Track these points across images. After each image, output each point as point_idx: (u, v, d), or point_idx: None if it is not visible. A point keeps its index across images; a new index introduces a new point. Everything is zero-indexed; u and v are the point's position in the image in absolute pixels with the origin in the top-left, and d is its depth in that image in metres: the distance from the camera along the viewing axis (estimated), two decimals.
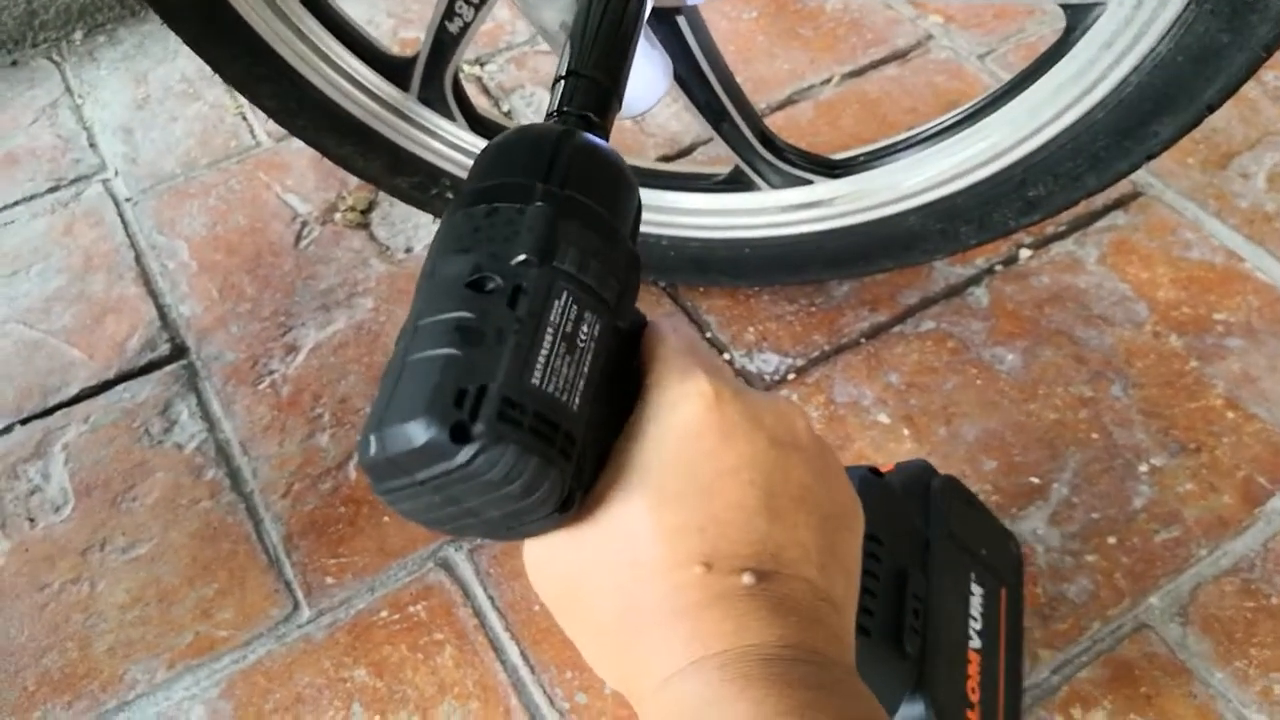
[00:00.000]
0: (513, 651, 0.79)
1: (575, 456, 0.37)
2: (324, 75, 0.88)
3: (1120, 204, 1.05)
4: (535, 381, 0.37)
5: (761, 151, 0.87)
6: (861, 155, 0.86)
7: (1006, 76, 0.78)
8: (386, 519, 0.86)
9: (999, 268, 1.00)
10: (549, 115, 0.50)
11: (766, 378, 0.94)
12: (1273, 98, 1.14)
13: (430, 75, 0.87)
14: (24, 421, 0.94)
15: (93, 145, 1.19)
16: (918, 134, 0.83)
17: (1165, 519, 0.83)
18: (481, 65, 1.25)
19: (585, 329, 0.39)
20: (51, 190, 1.14)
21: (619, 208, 0.44)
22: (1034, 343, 0.94)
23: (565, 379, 0.38)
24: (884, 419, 0.90)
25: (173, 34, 0.83)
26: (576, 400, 0.38)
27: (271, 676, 0.79)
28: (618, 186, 0.44)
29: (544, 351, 0.37)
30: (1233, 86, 0.66)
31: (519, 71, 1.25)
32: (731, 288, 0.99)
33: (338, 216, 1.09)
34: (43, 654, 0.80)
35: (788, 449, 0.41)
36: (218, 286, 1.03)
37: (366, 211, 1.09)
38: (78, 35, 1.31)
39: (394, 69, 0.88)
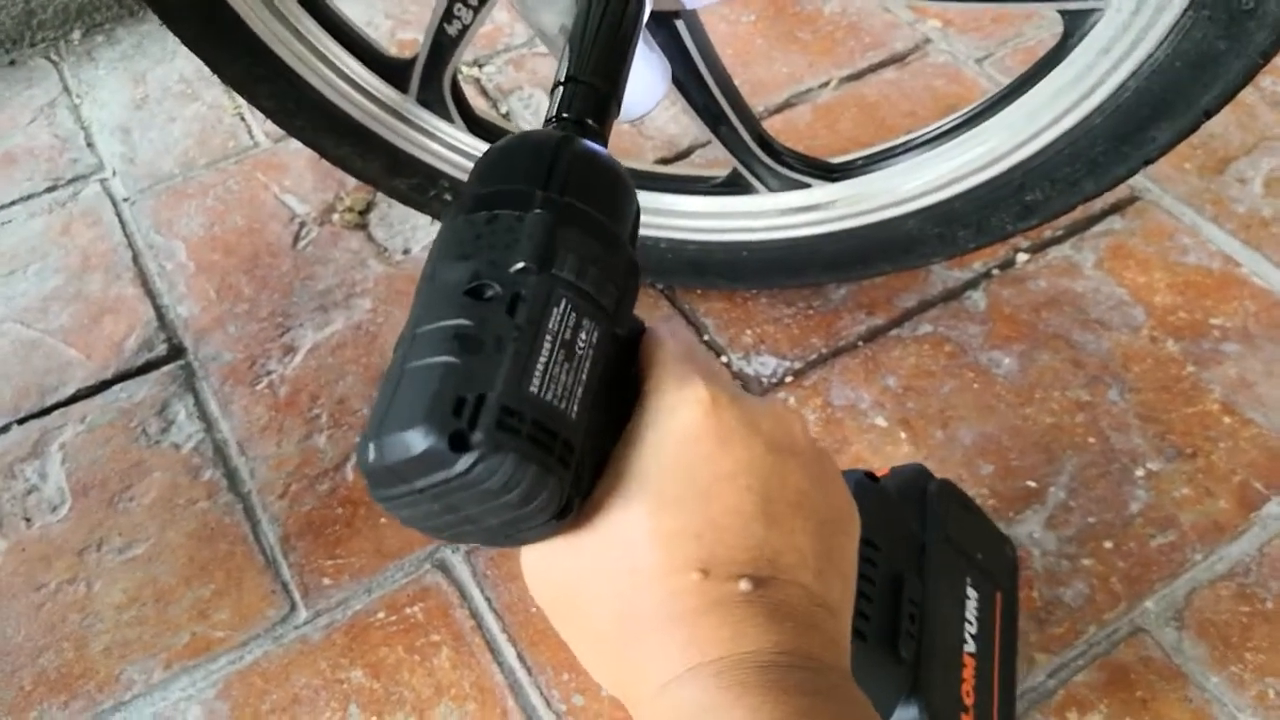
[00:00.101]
0: (510, 653, 0.79)
1: (573, 464, 0.38)
2: (322, 76, 0.88)
3: (1118, 209, 1.05)
4: (534, 389, 0.37)
5: (759, 155, 0.87)
6: (859, 159, 0.86)
7: (1004, 81, 0.79)
8: (384, 520, 0.86)
9: (996, 272, 1.00)
10: (548, 121, 0.50)
11: (764, 380, 0.94)
12: (1270, 103, 1.14)
13: (429, 77, 0.87)
14: (21, 421, 0.94)
15: (90, 145, 1.19)
16: (916, 138, 0.83)
17: (1161, 523, 0.83)
18: (480, 67, 1.25)
19: (584, 336, 0.39)
20: (49, 190, 1.14)
21: (618, 214, 0.44)
22: (1031, 347, 0.95)
23: (564, 386, 0.38)
24: (881, 422, 0.90)
25: (171, 34, 0.83)
26: (575, 408, 0.38)
27: (268, 677, 0.79)
28: (616, 193, 0.45)
29: (542, 359, 0.37)
30: (1230, 92, 0.66)
31: (517, 73, 1.25)
32: (729, 290, 1.00)
33: (336, 217, 1.09)
34: (39, 654, 0.80)
35: (785, 454, 0.42)
36: (215, 287, 1.03)
37: (364, 212, 1.09)
38: (76, 35, 1.31)
39: (392, 70, 0.88)
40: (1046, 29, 1.24)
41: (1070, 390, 0.92)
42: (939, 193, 0.82)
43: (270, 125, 0.99)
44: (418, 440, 0.35)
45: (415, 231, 1.07)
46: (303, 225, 1.09)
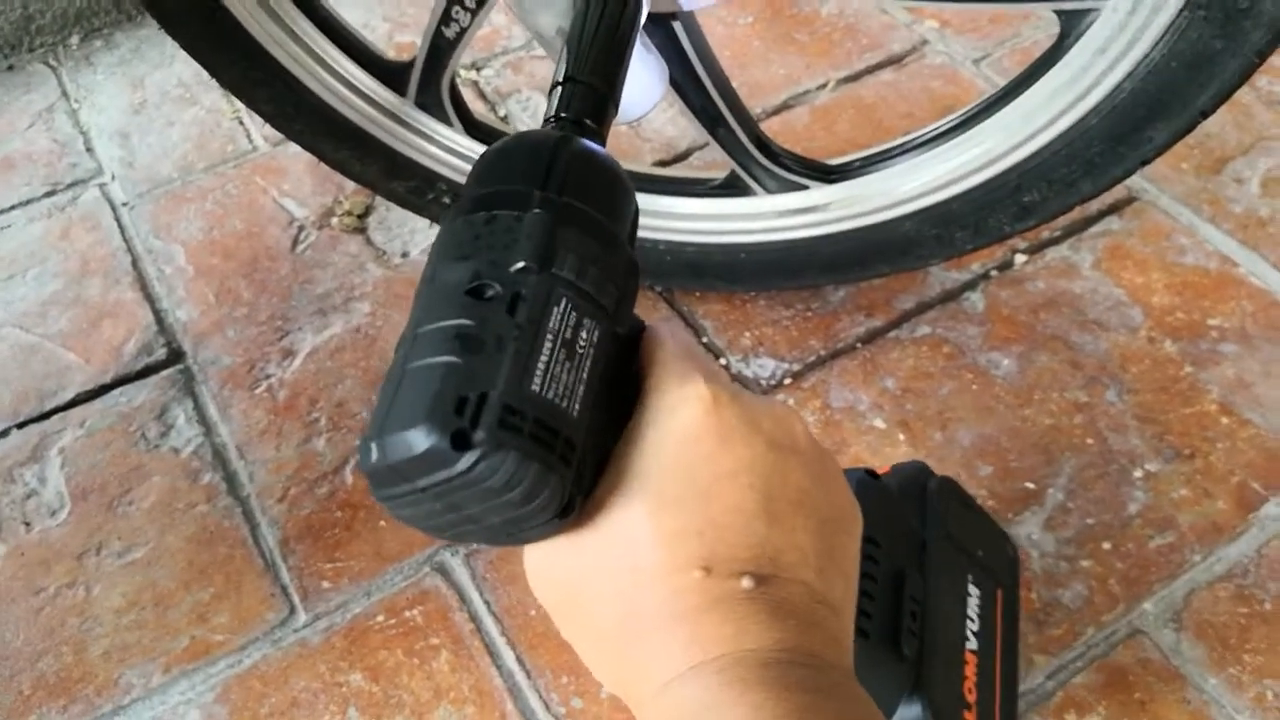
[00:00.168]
0: (509, 656, 0.79)
1: (575, 462, 0.38)
2: (320, 80, 0.88)
3: (1115, 209, 1.05)
4: (535, 388, 0.37)
5: (757, 156, 0.87)
6: (857, 160, 0.86)
7: (1001, 82, 0.79)
8: (383, 523, 0.86)
9: (994, 273, 1.01)
10: (546, 121, 0.50)
11: (763, 382, 0.94)
12: (1266, 103, 1.14)
13: (427, 80, 0.87)
14: (20, 425, 0.94)
15: (89, 150, 1.19)
16: (913, 139, 0.83)
17: (1160, 525, 0.84)
18: (478, 70, 1.25)
19: (584, 335, 0.39)
20: (48, 194, 1.14)
21: (617, 214, 0.44)
22: (1029, 348, 0.95)
23: (565, 385, 0.38)
24: (880, 424, 0.90)
25: (169, 39, 0.84)
26: (576, 406, 0.38)
27: (267, 681, 0.79)
28: (615, 192, 0.45)
29: (543, 358, 0.37)
30: (1226, 92, 0.66)
31: (515, 76, 1.25)
32: (728, 293, 1.00)
33: (334, 221, 1.09)
34: (38, 658, 0.80)
35: (786, 452, 0.42)
36: (214, 291, 1.03)
37: (363, 216, 1.10)
38: (74, 40, 1.31)
39: (390, 74, 0.88)
40: (1043, 30, 1.24)
41: (1068, 391, 0.92)
42: (936, 194, 0.82)
43: (269, 129, 0.99)
44: (420, 439, 0.35)
45: (414, 235, 1.07)
46: (301, 229, 1.09)
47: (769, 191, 0.88)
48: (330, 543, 0.85)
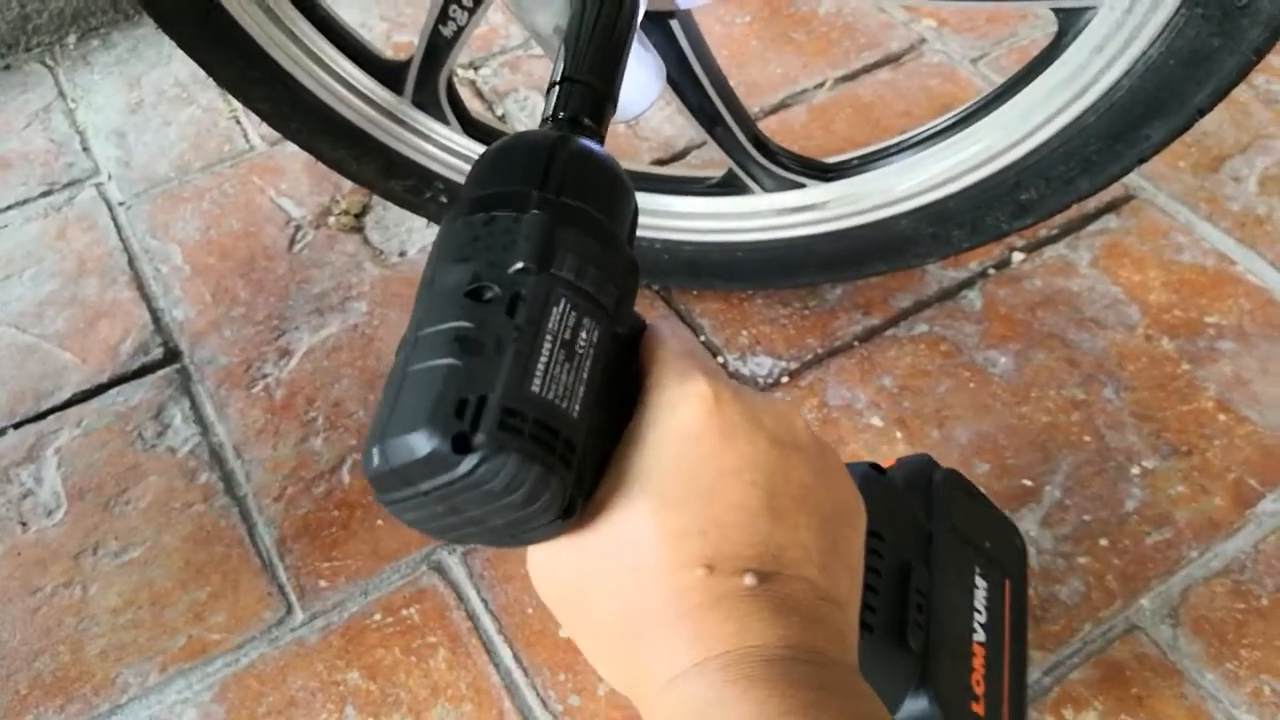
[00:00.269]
0: (506, 654, 0.79)
1: (576, 463, 0.38)
2: (317, 79, 0.88)
3: (1112, 207, 1.05)
4: (535, 389, 0.37)
5: (755, 155, 0.87)
6: (854, 159, 0.86)
7: (999, 80, 0.79)
8: (380, 522, 0.86)
9: (992, 271, 1.01)
10: (544, 121, 0.50)
11: (760, 381, 0.94)
12: (1264, 101, 1.14)
13: (424, 79, 0.87)
14: (17, 425, 0.94)
15: (86, 149, 1.19)
16: (910, 138, 0.83)
17: (1157, 521, 0.84)
18: (475, 69, 1.25)
19: (584, 335, 0.39)
20: (44, 194, 1.14)
21: (616, 213, 0.44)
22: (1026, 346, 0.95)
23: (565, 386, 0.38)
24: (877, 422, 0.90)
25: (166, 38, 0.83)
26: (576, 407, 0.38)
27: (264, 680, 0.79)
28: (614, 192, 0.45)
29: (543, 359, 0.37)
30: (1224, 90, 0.67)
31: (513, 75, 1.25)
32: (725, 291, 1.00)
33: (331, 220, 1.09)
34: (35, 657, 0.80)
35: (788, 449, 0.42)
36: (211, 290, 1.03)
37: (360, 215, 1.09)
38: (71, 39, 1.31)
39: (388, 73, 0.88)
40: (1041, 28, 1.24)
41: (1066, 389, 0.92)
42: (934, 192, 0.82)
43: (266, 128, 0.99)
44: (421, 443, 0.35)
45: (411, 234, 1.07)
46: (298, 228, 1.09)
47: (766, 190, 0.88)
48: (327, 542, 0.85)
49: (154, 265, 1.06)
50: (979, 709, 0.62)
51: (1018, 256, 1.01)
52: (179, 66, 1.26)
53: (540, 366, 0.37)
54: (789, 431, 0.42)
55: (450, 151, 0.92)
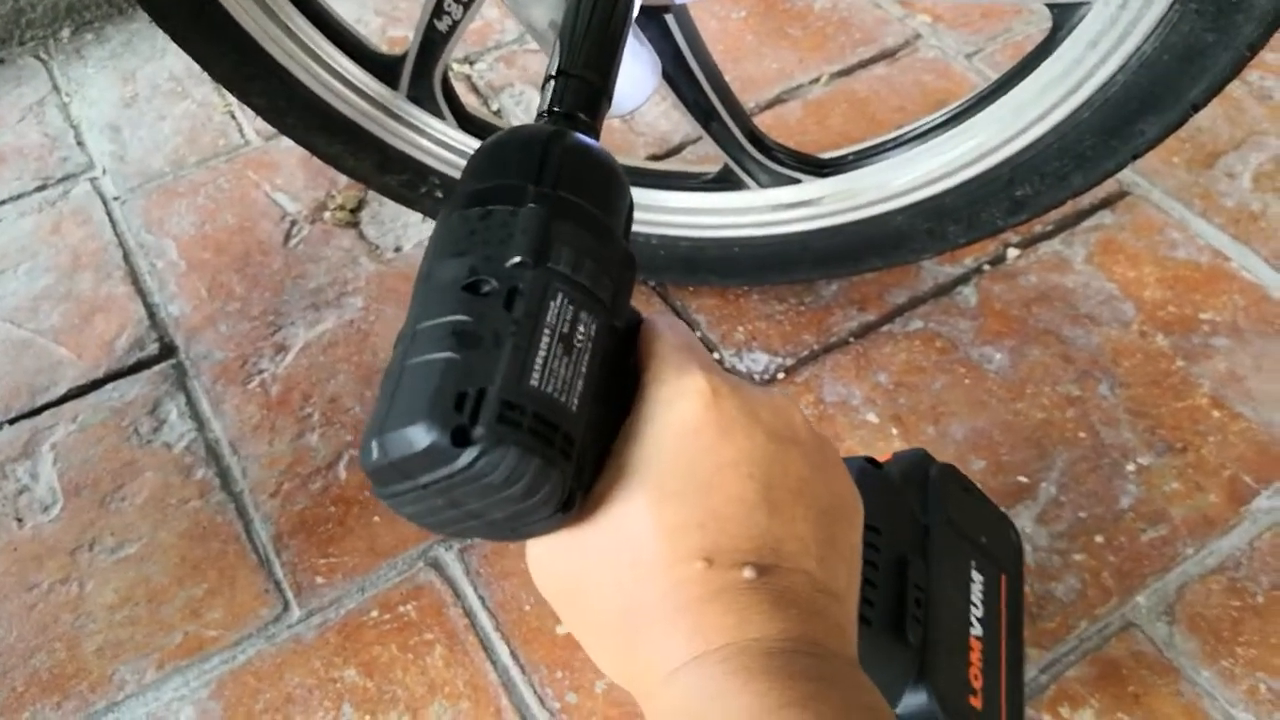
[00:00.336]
0: (503, 651, 0.79)
1: (575, 456, 0.38)
2: (313, 73, 0.88)
3: (1107, 203, 1.05)
4: (533, 383, 0.37)
5: (750, 150, 0.87)
6: (850, 154, 0.86)
7: (994, 76, 0.79)
8: (377, 518, 0.86)
9: (987, 267, 1.01)
10: (539, 115, 0.50)
11: (756, 377, 0.94)
12: (1258, 97, 1.14)
13: (419, 73, 0.87)
14: (12, 421, 0.94)
15: (80, 143, 1.18)
16: (906, 133, 0.83)
17: (1152, 518, 0.84)
18: (471, 64, 1.25)
19: (582, 329, 0.39)
20: (39, 189, 1.14)
21: (612, 207, 0.44)
22: (1022, 342, 0.95)
23: (563, 380, 0.38)
24: (872, 418, 0.90)
25: (161, 32, 0.83)
26: (575, 400, 0.38)
27: (261, 677, 0.79)
28: (610, 186, 0.45)
29: (541, 353, 0.37)
30: (1218, 85, 0.67)
31: (508, 70, 1.25)
32: (721, 287, 1.00)
33: (327, 215, 1.09)
34: (31, 654, 0.80)
35: (786, 443, 0.42)
36: (206, 285, 1.03)
37: (356, 210, 1.09)
38: (65, 33, 1.31)
39: (383, 67, 0.88)
40: (1035, 24, 1.24)
41: (1061, 385, 0.92)
42: (929, 188, 0.82)
43: (261, 123, 0.99)
44: (420, 436, 0.35)
45: (407, 229, 1.07)
46: (294, 223, 1.08)
47: (762, 186, 0.88)
48: (324, 538, 0.85)
49: (149, 260, 1.06)
50: (977, 703, 0.62)
51: (1013, 252, 1.02)
52: (174, 61, 1.26)
53: (538, 360, 0.37)
54: (786, 425, 0.42)
55: (446, 146, 0.92)
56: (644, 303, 0.99)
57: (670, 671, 0.38)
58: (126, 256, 1.06)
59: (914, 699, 0.60)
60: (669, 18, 0.78)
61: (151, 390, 0.95)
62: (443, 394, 0.36)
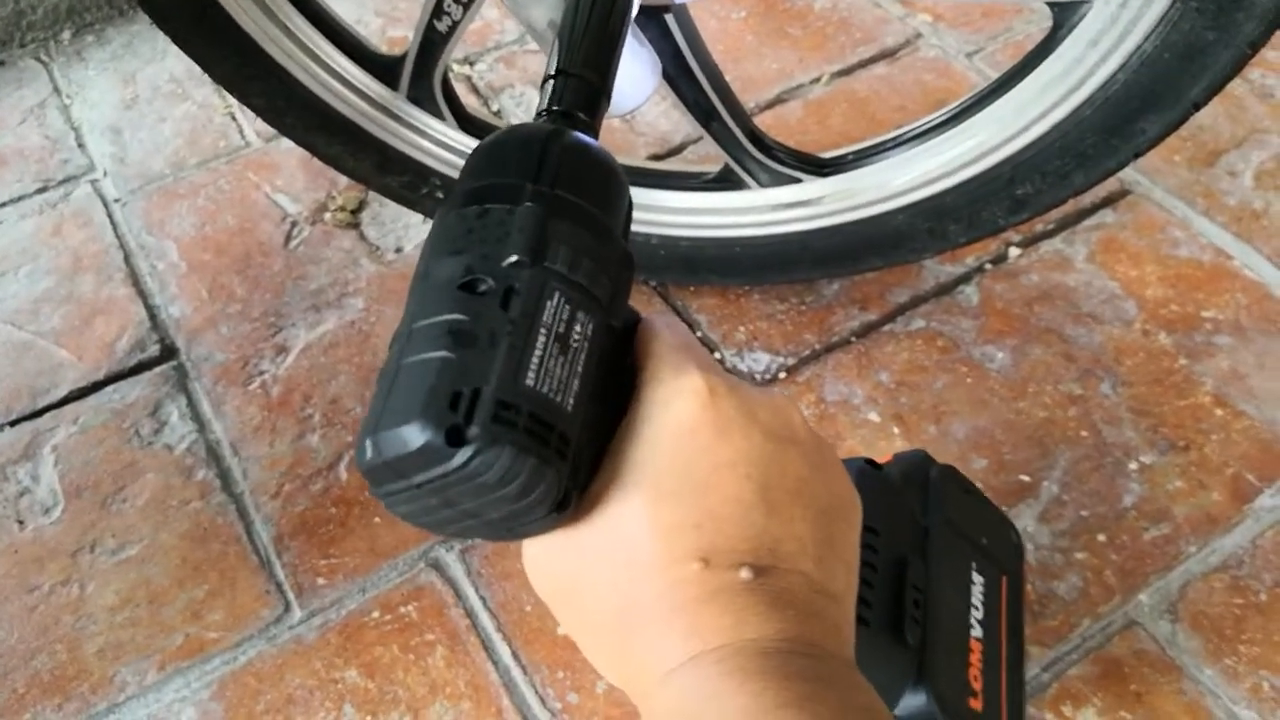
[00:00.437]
0: (504, 652, 0.79)
1: (570, 456, 0.38)
2: (313, 74, 0.88)
3: (1108, 202, 1.05)
4: (529, 382, 0.37)
5: (751, 150, 0.87)
6: (850, 154, 0.86)
7: (994, 75, 0.79)
8: (378, 519, 0.86)
9: (988, 266, 1.01)
10: (538, 114, 0.50)
11: (757, 376, 0.94)
12: (1259, 95, 1.14)
13: (419, 74, 0.87)
14: (13, 423, 0.94)
15: (81, 146, 1.18)
16: (906, 132, 0.83)
17: (1155, 516, 0.84)
18: (470, 64, 1.25)
19: (578, 329, 0.39)
20: (40, 191, 1.14)
21: (610, 206, 0.44)
22: (1023, 341, 0.95)
23: (559, 379, 0.38)
24: (874, 417, 0.90)
25: (161, 34, 0.83)
26: (571, 400, 0.38)
27: (262, 678, 0.78)
28: (608, 185, 0.45)
29: (537, 352, 0.37)
30: (1219, 84, 0.67)
31: (508, 70, 1.24)
32: (722, 287, 1.00)
33: (327, 216, 1.09)
34: (32, 656, 0.80)
35: (784, 443, 0.42)
36: (207, 287, 1.03)
37: (356, 211, 1.09)
38: (66, 35, 1.31)
39: (383, 68, 0.88)
40: (1036, 23, 1.24)
41: (1063, 384, 0.92)
42: (929, 187, 0.82)
43: (261, 124, 0.99)
44: (414, 435, 0.35)
45: (407, 230, 1.07)
46: (294, 225, 1.08)
47: (762, 185, 0.88)
48: (325, 539, 0.85)
49: (150, 262, 1.06)
50: (977, 704, 0.62)
51: (1014, 252, 1.01)
52: (174, 62, 1.26)
53: (534, 360, 0.37)
54: (784, 425, 0.42)
55: (446, 147, 0.92)
56: (645, 303, 0.99)
57: (666, 672, 0.38)
58: (127, 258, 1.06)
59: (913, 700, 0.59)
60: (669, 17, 0.78)
61: (152, 392, 0.95)
62: (437, 393, 0.36)
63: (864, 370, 0.94)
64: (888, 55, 1.23)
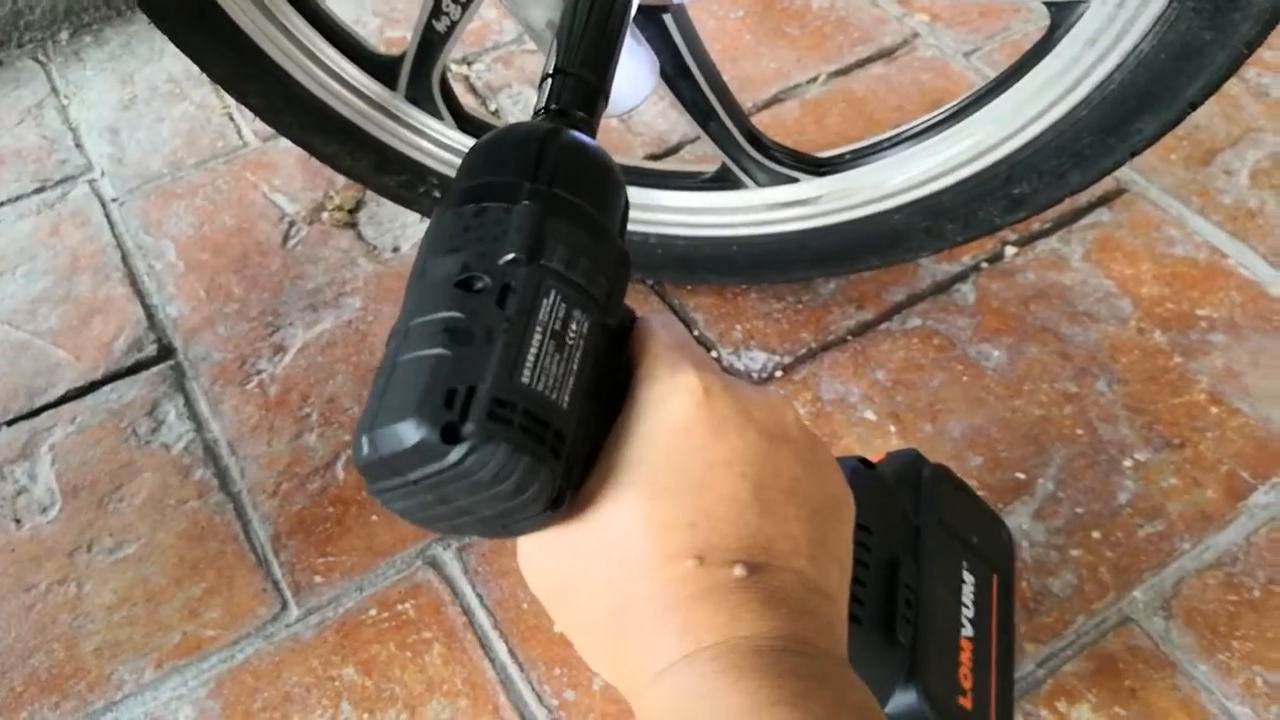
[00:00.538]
0: (501, 649, 0.79)
1: (565, 454, 0.38)
2: (311, 74, 0.88)
3: (1104, 201, 1.05)
4: (525, 380, 0.37)
5: (748, 150, 0.87)
6: (847, 153, 0.86)
7: (992, 74, 0.79)
8: (375, 518, 0.86)
9: (985, 265, 1.01)
10: (536, 113, 0.50)
11: (754, 375, 0.94)
12: (1255, 94, 1.15)
13: (417, 74, 0.87)
14: (10, 423, 0.94)
15: (79, 146, 1.18)
16: (903, 132, 0.83)
17: (1149, 513, 0.84)
18: (469, 64, 1.25)
19: (574, 327, 0.39)
20: (38, 191, 1.14)
21: (607, 205, 0.44)
22: (1019, 339, 0.95)
23: (554, 377, 0.38)
24: (870, 416, 0.91)
25: (159, 34, 0.83)
26: (566, 398, 0.38)
27: (259, 676, 0.79)
28: (605, 184, 0.45)
29: (533, 350, 0.37)
30: (1215, 84, 0.67)
31: (506, 70, 1.25)
32: (719, 285, 1.00)
33: (325, 216, 1.09)
34: (30, 655, 0.80)
35: (778, 442, 0.42)
36: (205, 287, 1.03)
37: (354, 211, 1.09)
38: (64, 35, 1.31)
39: (381, 68, 0.88)
40: (1033, 22, 1.24)
41: (1058, 382, 0.92)
42: (926, 186, 0.83)
43: (259, 124, 0.99)
44: (410, 433, 0.35)
45: (405, 229, 1.07)
46: (292, 224, 1.09)
47: (759, 185, 0.88)
48: (322, 537, 0.85)
49: (147, 262, 1.06)
50: (966, 703, 0.62)
51: (1010, 250, 1.02)
52: (172, 62, 1.26)
53: (530, 357, 0.37)
54: (779, 424, 0.42)
55: (444, 147, 0.92)
56: (642, 301, 0.99)
57: (660, 670, 0.38)
58: (125, 258, 1.06)
59: (904, 698, 0.60)
60: (667, 17, 0.78)
61: (150, 391, 0.95)
62: (433, 391, 0.36)
63: (860, 369, 0.94)
64: (885, 55, 1.23)
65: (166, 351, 0.98)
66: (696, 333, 0.97)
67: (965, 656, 0.64)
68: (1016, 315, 0.97)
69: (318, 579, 0.83)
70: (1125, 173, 1.07)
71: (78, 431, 0.93)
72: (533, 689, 0.77)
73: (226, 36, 0.83)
